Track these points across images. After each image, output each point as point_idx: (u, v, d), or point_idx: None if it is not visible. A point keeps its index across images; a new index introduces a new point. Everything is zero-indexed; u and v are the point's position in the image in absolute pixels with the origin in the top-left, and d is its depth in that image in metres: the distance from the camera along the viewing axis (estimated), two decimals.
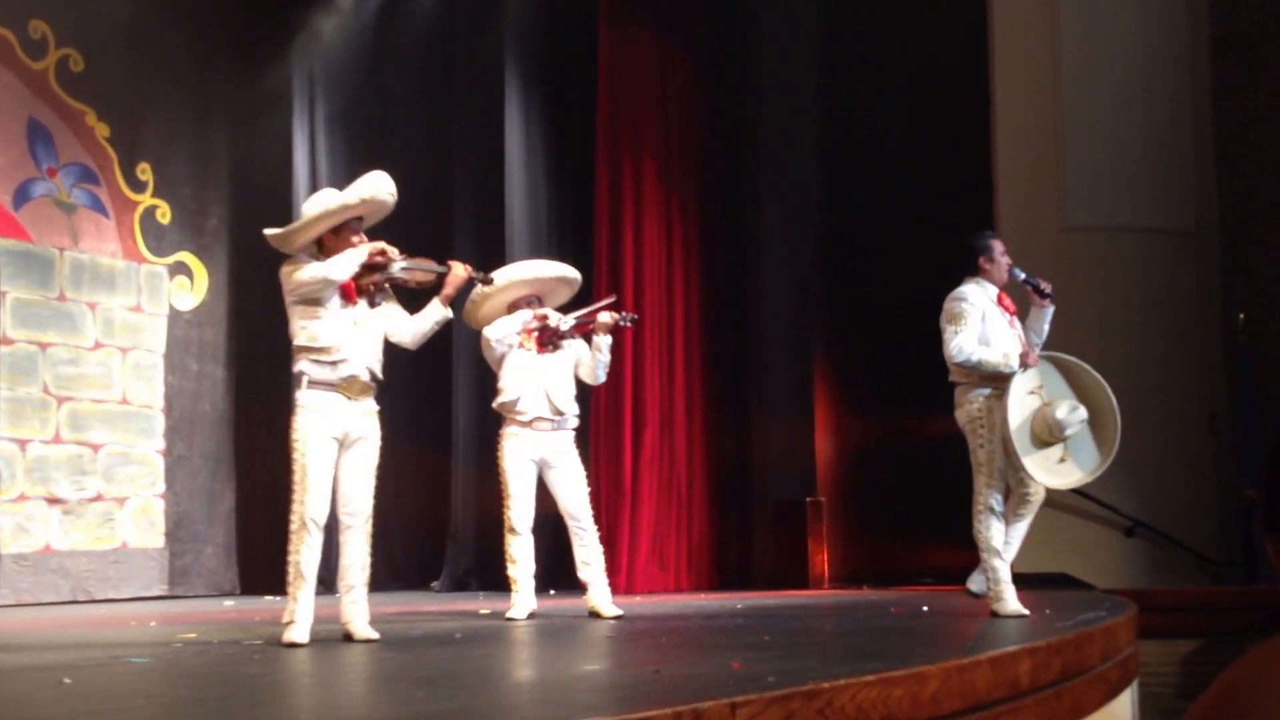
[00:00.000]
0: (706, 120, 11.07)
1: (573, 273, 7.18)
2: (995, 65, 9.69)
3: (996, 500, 6.13)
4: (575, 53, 10.87)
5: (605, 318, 6.98)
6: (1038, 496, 6.24)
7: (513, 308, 7.00)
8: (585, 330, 7.08)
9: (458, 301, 5.91)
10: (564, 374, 6.97)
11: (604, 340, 6.96)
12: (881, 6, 10.83)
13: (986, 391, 6.09)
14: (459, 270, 5.69)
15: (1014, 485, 6.22)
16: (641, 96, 10.49)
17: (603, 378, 7.19)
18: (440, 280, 5.71)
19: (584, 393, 7.56)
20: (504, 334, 6.88)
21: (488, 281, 6.11)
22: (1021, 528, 6.31)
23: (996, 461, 6.09)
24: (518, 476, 6.80)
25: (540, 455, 6.84)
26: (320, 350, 5.39)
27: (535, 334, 6.91)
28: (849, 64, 11.19)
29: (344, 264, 5.39)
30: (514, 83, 10.80)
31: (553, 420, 6.86)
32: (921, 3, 10.49)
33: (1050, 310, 6.30)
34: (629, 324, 7.22)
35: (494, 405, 7.02)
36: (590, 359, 7.03)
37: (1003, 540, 6.18)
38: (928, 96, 10.44)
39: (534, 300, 7.02)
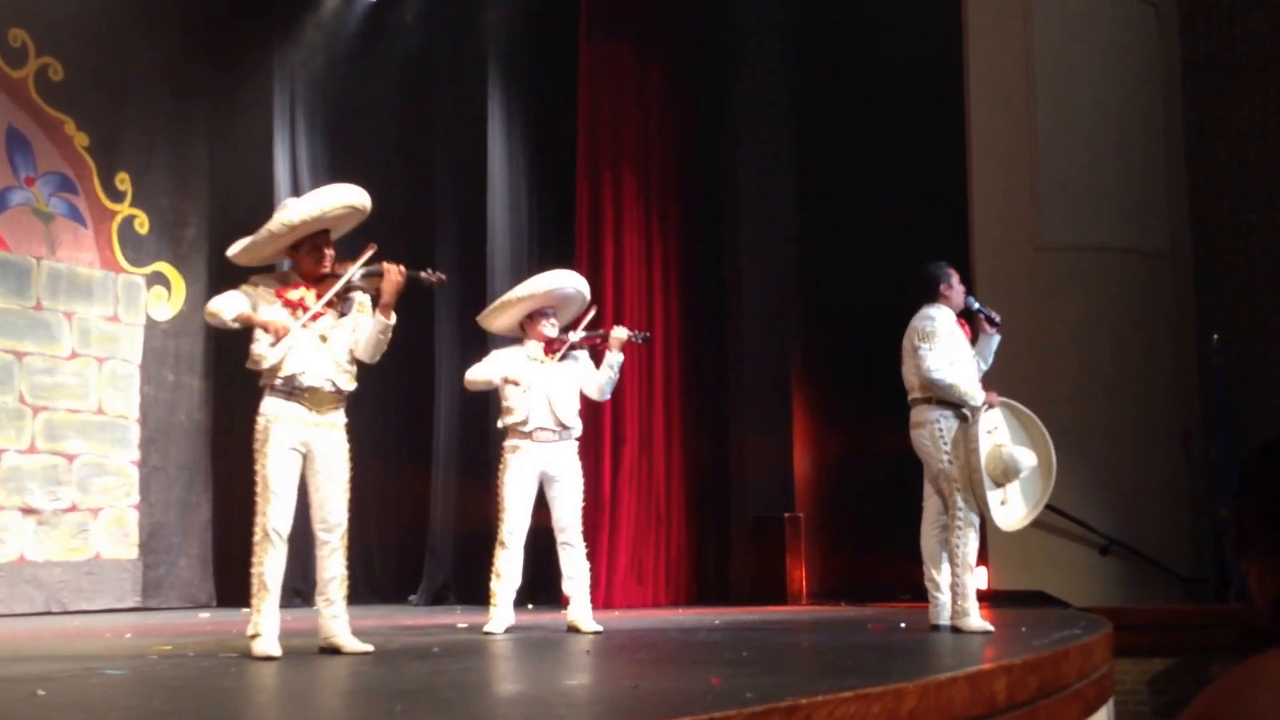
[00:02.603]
0: (686, 136, 11.11)
1: (586, 288, 7.20)
2: (971, 86, 9.77)
3: (975, 516, 6.22)
4: (556, 67, 10.90)
5: (618, 333, 6.99)
6: (975, 514, 6.29)
7: (529, 320, 7.00)
8: (593, 344, 7.09)
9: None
10: (569, 387, 6.96)
11: (615, 358, 6.96)
12: (859, 25, 10.90)
13: (946, 410, 6.23)
14: (393, 275, 5.49)
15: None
16: (622, 112, 10.52)
17: (609, 394, 7.21)
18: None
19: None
20: (480, 378, 6.96)
21: (439, 283, 5.92)
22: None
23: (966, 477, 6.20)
24: (516, 490, 6.79)
25: (543, 468, 6.84)
26: (269, 371, 5.39)
27: (545, 344, 6.93)
28: (826, 82, 11.26)
29: (236, 308, 5.41)
30: (496, 96, 10.82)
31: (555, 431, 6.86)
32: (898, 23, 10.56)
33: (997, 339, 6.58)
34: (641, 341, 7.23)
35: (499, 424, 7.02)
36: (598, 375, 7.02)
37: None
38: (904, 116, 10.51)
39: (549, 312, 7.03)
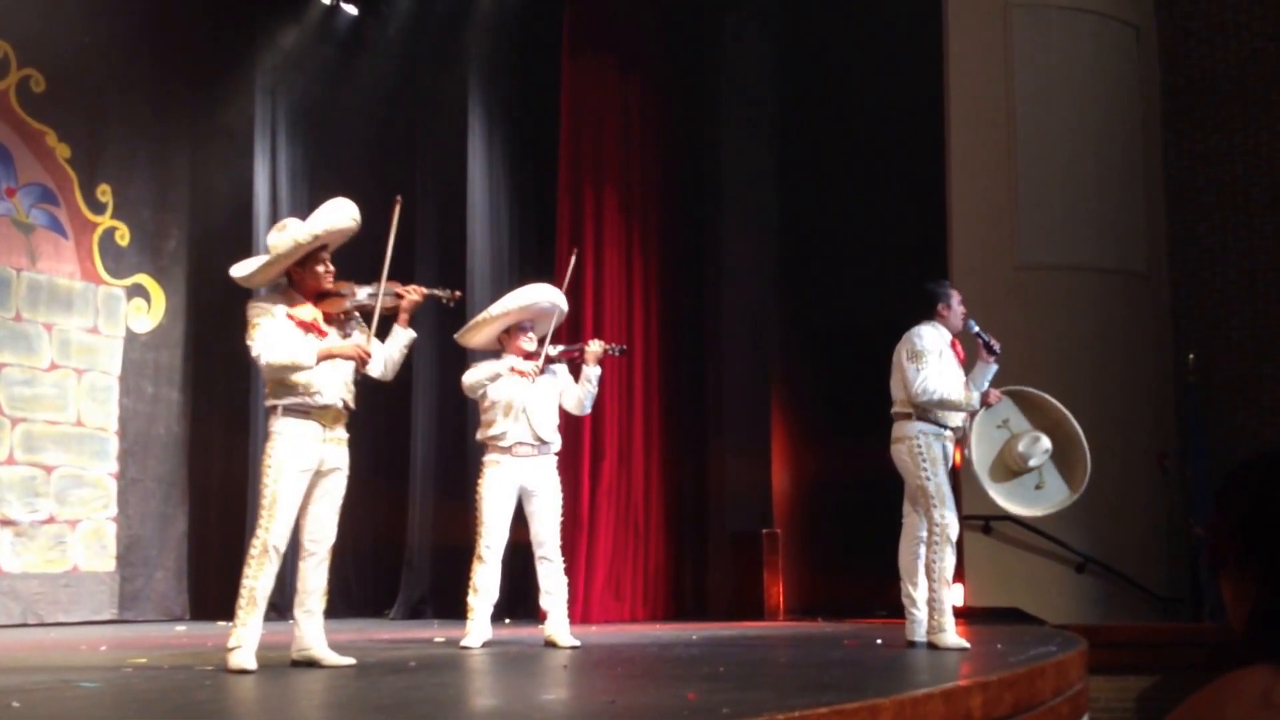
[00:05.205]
0: (667, 152, 11.16)
1: (562, 300, 7.21)
2: (951, 105, 9.83)
3: (954, 531, 6.25)
4: (538, 81, 10.94)
5: (594, 347, 7.00)
6: (952, 529, 6.30)
7: (506, 334, 7.02)
8: (571, 358, 7.11)
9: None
10: (548, 402, 6.97)
11: (593, 371, 6.98)
12: (840, 44, 10.97)
13: (928, 428, 6.26)
14: (413, 296, 5.72)
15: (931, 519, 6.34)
16: (604, 128, 10.56)
17: (589, 408, 7.21)
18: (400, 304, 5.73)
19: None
20: (477, 381, 6.91)
21: (454, 299, 6.10)
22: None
23: (945, 491, 6.23)
24: (495, 504, 6.79)
25: (522, 482, 6.84)
26: (293, 386, 5.39)
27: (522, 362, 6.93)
28: (808, 101, 11.34)
29: (314, 350, 5.39)
30: (477, 112, 10.85)
31: (534, 446, 6.87)
32: (880, 42, 10.64)
33: (994, 369, 6.51)
34: (618, 354, 7.25)
35: (478, 437, 7.02)
36: (577, 389, 7.03)
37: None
38: (885, 135, 10.58)
39: (526, 325, 7.05)
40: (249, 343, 5.36)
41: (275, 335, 5.34)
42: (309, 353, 5.38)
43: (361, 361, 5.56)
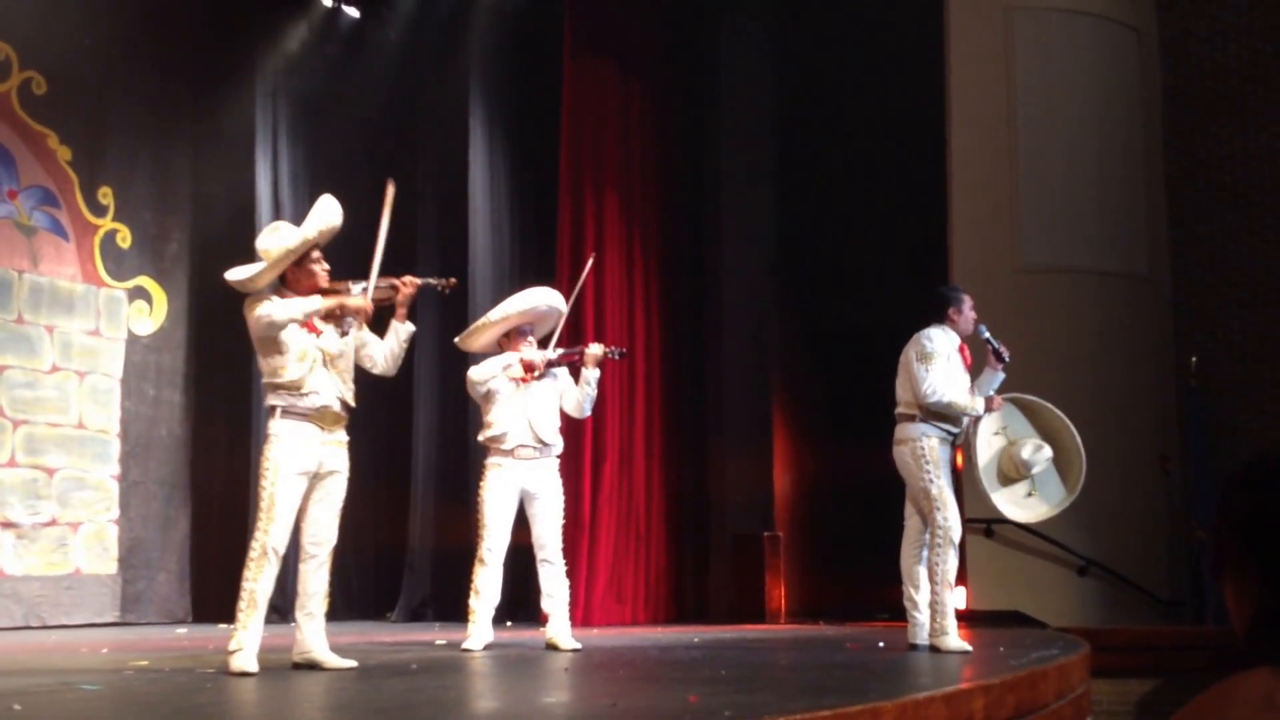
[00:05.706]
0: (667, 155, 11.16)
1: (562, 303, 7.22)
2: (952, 108, 9.84)
3: (956, 534, 6.25)
4: (539, 85, 10.94)
5: (594, 350, 7.01)
6: (955, 532, 6.30)
7: (506, 338, 7.03)
8: (570, 360, 7.12)
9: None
10: (548, 405, 6.98)
11: (592, 374, 6.98)
12: (840, 47, 10.98)
13: (931, 430, 6.25)
14: (407, 289, 5.73)
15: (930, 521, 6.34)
16: (604, 131, 10.57)
17: (588, 411, 7.21)
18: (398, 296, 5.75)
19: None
20: (486, 375, 6.91)
21: (449, 287, 6.11)
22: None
23: (948, 494, 6.23)
24: (496, 507, 6.79)
25: (524, 485, 6.84)
26: (289, 385, 5.40)
27: (522, 365, 6.93)
28: (808, 105, 11.36)
29: (305, 307, 5.41)
30: (478, 115, 10.85)
31: (536, 448, 6.87)
32: (880, 45, 10.64)
33: (1001, 377, 6.48)
34: (618, 357, 7.26)
35: (480, 439, 7.03)
36: (577, 392, 7.04)
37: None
38: (885, 138, 10.59)
39: (526, 329, 7.05)
40: (255, 315, 5.36)
41: (272, 306, 5.39)
42: (300, 309, 5.39)
43: (366, 318, 5.57)
